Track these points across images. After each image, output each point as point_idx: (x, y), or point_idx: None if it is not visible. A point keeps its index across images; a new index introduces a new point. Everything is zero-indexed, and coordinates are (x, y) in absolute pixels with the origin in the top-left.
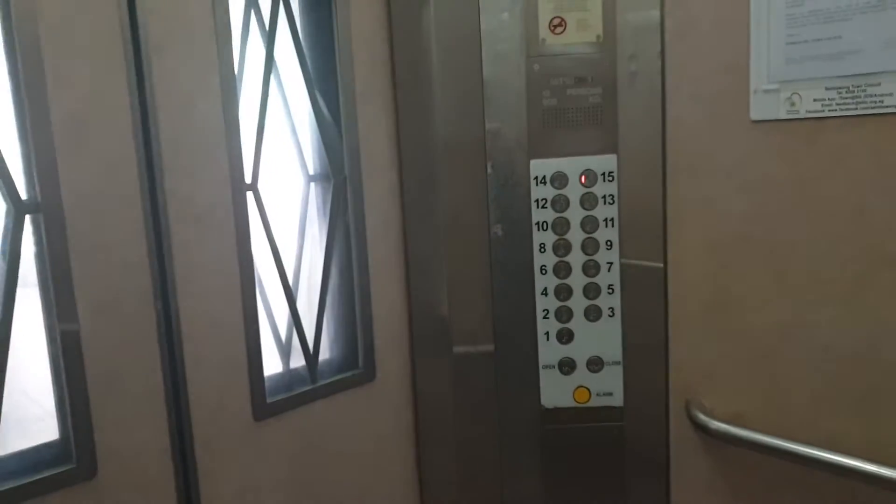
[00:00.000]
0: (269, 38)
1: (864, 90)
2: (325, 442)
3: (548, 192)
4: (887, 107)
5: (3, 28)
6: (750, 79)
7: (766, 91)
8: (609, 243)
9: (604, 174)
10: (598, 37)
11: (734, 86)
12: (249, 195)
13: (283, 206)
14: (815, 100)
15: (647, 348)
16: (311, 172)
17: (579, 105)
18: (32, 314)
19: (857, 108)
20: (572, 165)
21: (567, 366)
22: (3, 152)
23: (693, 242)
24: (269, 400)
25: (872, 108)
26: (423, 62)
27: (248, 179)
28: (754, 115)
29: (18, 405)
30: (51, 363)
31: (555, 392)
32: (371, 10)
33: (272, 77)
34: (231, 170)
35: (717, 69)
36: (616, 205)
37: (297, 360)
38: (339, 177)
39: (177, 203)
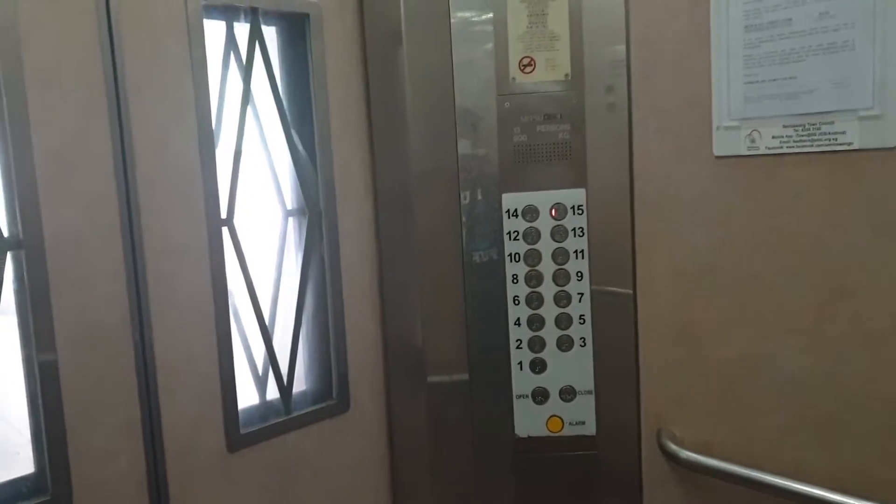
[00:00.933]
0: (246, 77)
1: (819, 128)
2: (299, 473)
3: (519, 224)
4: (840, 144)
5: None
6: (712, 116)
7: (728, 128)
8: (580, 274)
9: (573, 207)
10: (566, 75)
11: (697, 122)
12: (225, 231)
13: (261, 240)
14: (773, 137)
15: (618, 377)
16: (289, 208)
17: (549, 141)
18: (12, 342)
19: (812, 145)
20: (543, 199)
21: (540, 395)
22: None
23: (661, 273)
24: (243, 431)
25: (827, 145)
26: (397, 99)
27: (223, 215)
28: (717, 151)
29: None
30: (27, 395)
31: (528, 421)
32: (346, 48)
33: (251, 114)
34: (207, 206)
35: (680, 106)
36: (586, 237)
37: (274, 392)
38: (314, 211)
39: (153, 238)
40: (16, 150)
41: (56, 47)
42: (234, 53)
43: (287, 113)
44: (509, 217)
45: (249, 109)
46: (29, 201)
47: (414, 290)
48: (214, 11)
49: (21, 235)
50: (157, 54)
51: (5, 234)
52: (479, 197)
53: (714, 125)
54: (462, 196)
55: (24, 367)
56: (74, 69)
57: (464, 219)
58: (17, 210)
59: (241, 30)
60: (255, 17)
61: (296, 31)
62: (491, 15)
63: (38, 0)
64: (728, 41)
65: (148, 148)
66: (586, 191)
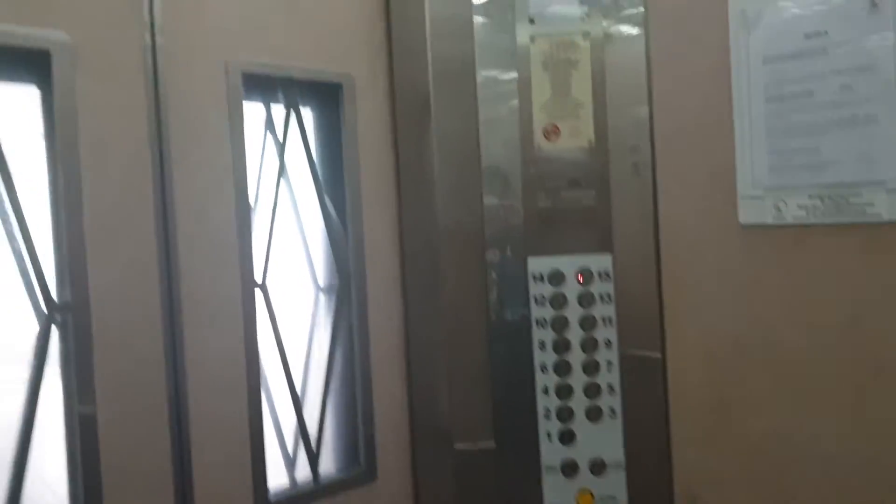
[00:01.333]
0: (280, 152)
1: (846, 199)
2: None
3: (546, 289)
4: (870, 215)
5: (48, 144)
6: (737, 184)
7: (753, 197)
8: (608, 342)
9: (600, 273)
10: (589, 142)
11: (722, 190)
12: (258, 293)
13: (293, 303)
14: (799, 207)
15: (650, 451)
16: (320, 272)
17: (574, 206)
18: (53, 399)
19: (840, 216)
20: (569, 264)
21: (569, 468)
22: (40, 258)
23: (691, 343)
24: (272, 499)
25: (857, 216)
26: (425, 162)
27: (257, 278)
28: (743, 220)
29: (33, 492)
30: (67, 452)
31: (557, 495)
32: (377, 115)
33: (285, 183)
34: (242, 268)
35: (704, 173)
36: (613, 304)
37: (302, 458)
38: (344, 274)
39: (191, 299)
40: (69, 217)
41: (108, 118)
42: (269, 126)
43: (321, 179)
44: (535, 281)
45: (285, 173)
46: (77, 266)
47: (440, 353)
48: (254, 93)
49: (69, 298)
50: (198, 126)
51: (55, 297)
52: (505, 261)
53: (739, 193)
54: (488, 260)
55: (64, 423)
56: (123, 138)
57: (490, 283)
58: (67, 274)
59: (278, 110)
60: (290, 88)
61: (329, 100)
62: (515, 75)
63: (93, 76)
64: (750, 111)
65: (188, 213)
66: (612, 256)
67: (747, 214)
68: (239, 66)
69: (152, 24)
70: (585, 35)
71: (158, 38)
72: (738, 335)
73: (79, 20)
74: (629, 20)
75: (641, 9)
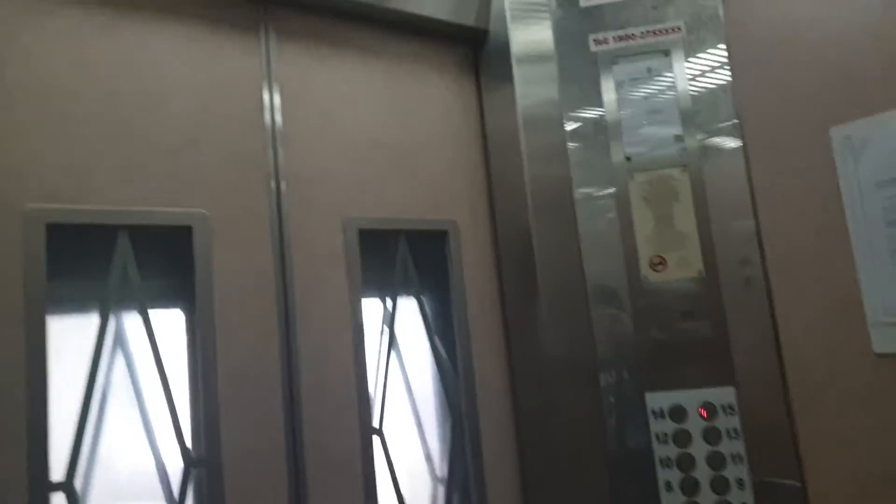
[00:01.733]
0: (390, 320)
1: None
2: None
3: (667, 426)
4: None
5: (186, 313)
6: (865, 310)
7: (887, 324)
8: (740, 482)
9: (724, 407)
10: (699, 272)
11: (849, 316)
12: (376, 439)
13: (408, 447)
14: None
15: None
16: (431, 412)
17: (689, 338)
18: None
19: None
20: (689, 398)
21: None
22: (179, 417)
23: (836, 485)
24: None
25: None
26: (530, 298)
27: (375, 424)
28: (878, 349)
29: None
30: None
31: None
32: (481, 255)
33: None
34: (360, 416)
35: (827, 300)
36: (742, 440)
37: None
38: (456, 413)
39: (313, 449)
40: (204, 375)
41: (240, 282)
42: (381, 280)
43: (430, 322)
44: (656, 418)
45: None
46: (211, 422)
47: (558, 494)
48: (368, 244)
49: (204, 453)
50: (320, 284)
51: (192, 452)
52: (622, 396)
53: (870, 321)
54: (603, 395)
55: None
56: (253, 300)
57: (607, 419)
58: (202, 431)
59: (390, 259)
60: (400, 239)
61: (435, 245)
62: (612, 190)
63: (227, 244)
64: (870, 236)
65: (310, 365)
66: (735, 389)
67: (883, 343)
68: (355, 223)
69: (278, 183)
70: (683, 167)
71: (282, 185)
72: (891, 474)
73: (214, 194)
74: (724, 132)
75: (735, 120)
